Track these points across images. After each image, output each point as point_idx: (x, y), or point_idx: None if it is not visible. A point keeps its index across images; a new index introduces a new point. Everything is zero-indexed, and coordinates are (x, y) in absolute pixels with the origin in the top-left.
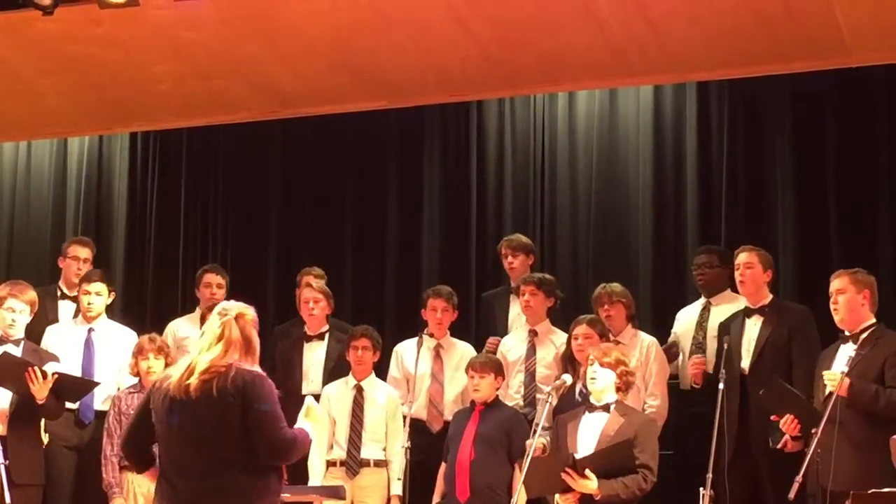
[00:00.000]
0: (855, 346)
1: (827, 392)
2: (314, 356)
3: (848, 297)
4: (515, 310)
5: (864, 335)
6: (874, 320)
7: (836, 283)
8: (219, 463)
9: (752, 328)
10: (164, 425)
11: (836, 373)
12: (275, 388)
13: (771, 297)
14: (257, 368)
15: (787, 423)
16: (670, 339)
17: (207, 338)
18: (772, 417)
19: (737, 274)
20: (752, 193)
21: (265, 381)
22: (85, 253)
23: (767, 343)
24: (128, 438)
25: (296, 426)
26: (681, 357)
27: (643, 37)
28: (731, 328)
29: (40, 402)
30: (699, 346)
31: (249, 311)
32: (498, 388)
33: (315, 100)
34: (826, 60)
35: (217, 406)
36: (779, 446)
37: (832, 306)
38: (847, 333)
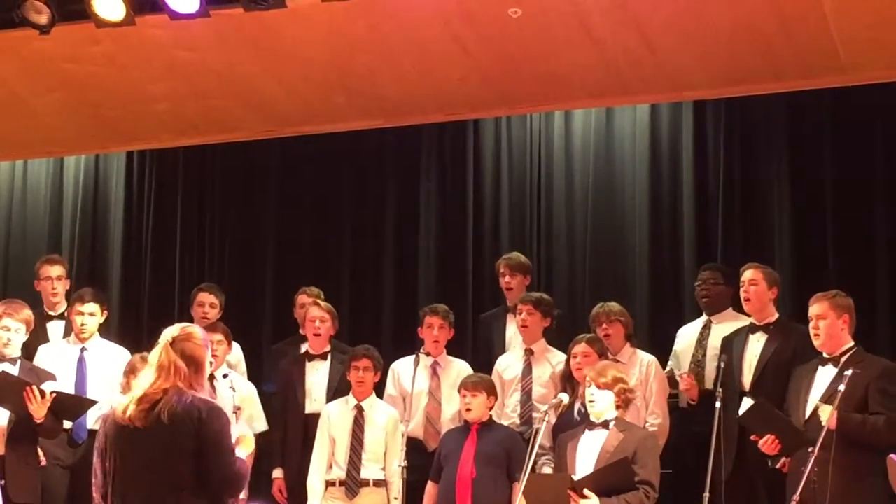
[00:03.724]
0: (835, 369)
1: (810, 412)
2: (317, 375)
3: (828, 323)
4: (512, 329)
5: (845, 358)
6: (853, 343)
7: (816, 308)
8: (167, 489)
9: (756, 345)
10: (113, 454)
11: (828, 406)
12: (228, 419)
13: (777, 315)
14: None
15: (767, 443)
16: (670, 361)
17: (148, 368)
18: (751, 437)
19: (742, 291)
20: (748, 211)
21: (221, 413)
22: (56, 271)
23: (770, 361)
24: (104, 484)
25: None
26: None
27: (639, 56)
28: (733, 343)
29: (38, 422)
30: (698, 364)
31: (194, 331)
32: (491, 408)
33: (312, 119)
34: (822, 79)
35: (169, 432)
36: (777, 466)
37: (812, 331)
38: (826, 355)
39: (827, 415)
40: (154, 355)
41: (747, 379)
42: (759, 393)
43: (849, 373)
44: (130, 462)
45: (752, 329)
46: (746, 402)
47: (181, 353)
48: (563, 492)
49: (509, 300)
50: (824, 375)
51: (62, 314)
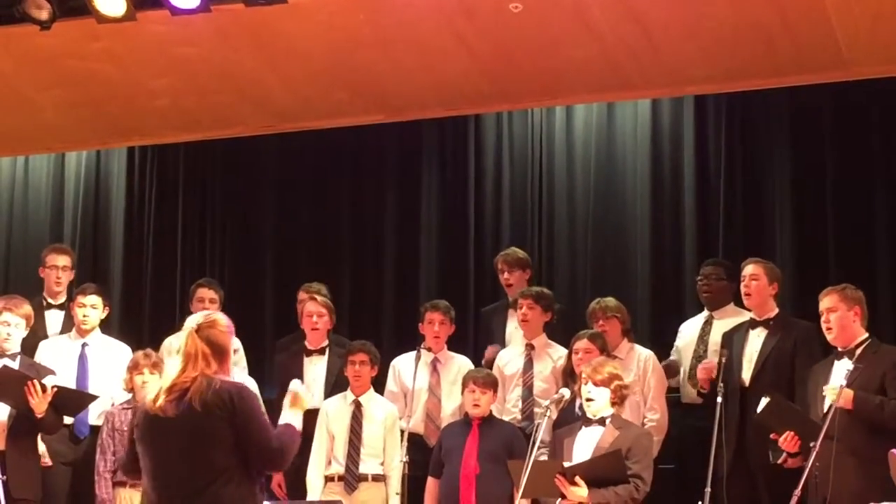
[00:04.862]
0: (851, 361)
1: (826, 407)
2: (315, 370)
3: (839, 315)
4: (513, 324)
5: (860, 350)
6: (867, 335)
7: (826, 301)
8: (205, 476)
9: (756, 340)
10: (147, 445)
11: (836, 386)
12: (259, 396)
13: (777, 310)
14: (237, 377)
15: (787, 440)
16: (672, 356)
17: (173, 354)
18: (771, 436)
19: (742, 286)
20: (749, 206)
21: (251, 393)
22: (63, 260)
23: (770, 356)
24: (129, 462)
25: (281, 418)
26: (681, 372)
27: (641, 51)
28: (734, 339)
29: (39, 416)
30: (700, 360)
31: (218, 318)
32: (492, 404)
33: (312, 114)
34: (823, 74)
35: (201, 420)
36: (779, 462)
37: (824, 325)
38: (841, 349)
39: (832, 396)
40: (180, 343)
41: (747, 374)
42: (759, 388)
43: (850, 367)
44: (164, 451)
45: (753, 324)
46: (764, 400)
47: (207, 341)
48: (554, 477)
49: (510, 296)
50: (840, 369)
51: (62, 304)
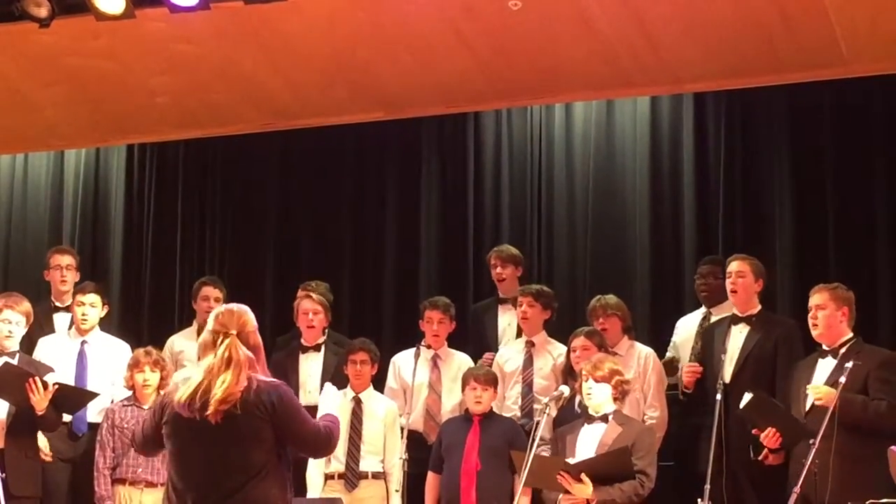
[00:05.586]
0: (835, 360)
1: (809, 405)
2: (310, 367)
3: (827, 314)
4: (505, 320)
5: (843, 350)
6: (852, 335)
7: (816, 298)
8: (241, 476)
9: (738, 336)
10: (179, 445)
11: (824, 386)
12: (292, 392)
13: (759, 307)
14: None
15: (769, 437)
16: (668, 352)
17: (215, 361)
18: (753, 431)
19: (728, 282)
20: (749, 204)
21: (287, 389)
22: (66, 260)
23: (751, 354)
24: (146, 442)
25: (322, 412)
26: (680, 369)
27: (640, 48)
28: (714, 334)
29: (39, 414)
30: (698, 356)
31: (248, 318)
32: (493, 401)
33: (312, 112)
34: (823, 71)
35: (241, 421)
36: (760, 458)
37: (811, 321)
38: (825, 347)
39: (819, 394)
40: (223, 351)
41: (728, 370)
42: (740, 385)
43: (849, 365)
44: (199, 452)
45: (734, 320)
46: (747, 396)
47: (247, 345)
48: (558, 474)
49: (501, 291)
50: (824, 367)
51: (69, 307)
